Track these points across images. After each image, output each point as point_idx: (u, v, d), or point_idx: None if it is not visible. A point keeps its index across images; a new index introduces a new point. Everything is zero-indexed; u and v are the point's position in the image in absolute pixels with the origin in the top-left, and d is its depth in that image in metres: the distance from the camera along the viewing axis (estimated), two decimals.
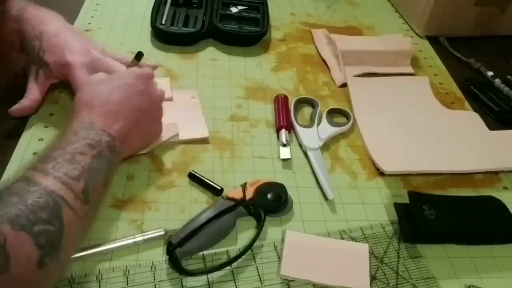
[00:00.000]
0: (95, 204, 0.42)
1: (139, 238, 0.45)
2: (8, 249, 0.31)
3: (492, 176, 0.57)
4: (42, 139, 0.54)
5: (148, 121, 0.50)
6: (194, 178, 0.52)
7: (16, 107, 0.55)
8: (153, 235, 0.45)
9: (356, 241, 0.47)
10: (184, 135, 0.56)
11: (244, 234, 0.47)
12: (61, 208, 0.36)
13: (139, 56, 0.55)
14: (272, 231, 0.48)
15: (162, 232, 0.45)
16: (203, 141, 0.57)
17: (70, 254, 0.40)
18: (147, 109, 0.49)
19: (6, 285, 0.31)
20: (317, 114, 0.61)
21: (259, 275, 0.44)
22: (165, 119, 0.54)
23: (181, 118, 0.58)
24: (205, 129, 0.58)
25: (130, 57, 0.57)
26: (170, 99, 0.61)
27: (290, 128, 0.59)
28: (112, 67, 0.54)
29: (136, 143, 0.50)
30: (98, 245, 0.44)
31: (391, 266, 0.46)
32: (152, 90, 0.50)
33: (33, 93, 0.56)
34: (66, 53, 0.54)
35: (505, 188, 0.56)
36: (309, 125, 0.60)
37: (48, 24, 0.55)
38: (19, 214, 0.33)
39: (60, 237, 0.35)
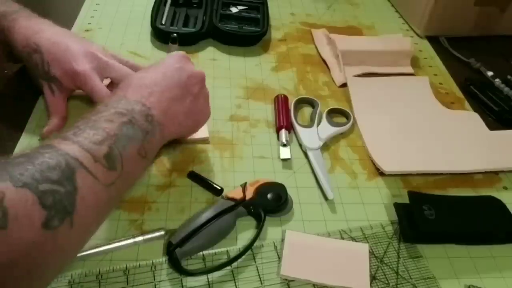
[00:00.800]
0: (127, 174, 0.39)
1: (139, 238, 0.45)
2: (6, 205, 0.29)
3: (492, 176, 0.57)
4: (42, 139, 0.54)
5: (190, 98, 0.48)
6: (194, 178, 0.52)
7: (47, 129, 0.54)
8: (153, 235, 0.45)
9: (356, 241, 0.47)
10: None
11: (244, 234, 0.47)
12: (75, 170, 0.33)
13: (174, 39, 0.57)
14: (272, 231, 0.48)
15: (162, 232, 0.45)
16: (203, 141, 0.57)
17: (92, 222, 0.36)
18: (186, 86, 0.48)
19: (5, 243, 0.29)
20: (317, 114, 0.61)
21: (259, 275, 0.44)
22: None
23: None
24: (205, 129, 0.57)
25: (132, 59, 0.57)
26: None
27: (290, 128, 0.59)
28: (122, 70, 0.54)
29: (181, 119, 0.47)
30: (98, 245, 0.44)
31: (391, 266, 0.46)
32: (190, 67, 0.49)
33: (57, 110, 0.55)
34: (72, 62, 0.52)
35: (505, 188, 0.56)
36: (309, 125, 0.60)
37: (42, 33, 0.53)
38: (23, 172, 0.31)
39: (73, 200, 0.32)
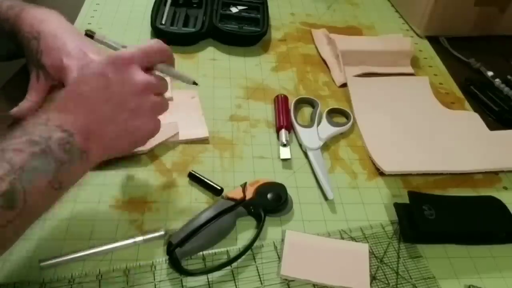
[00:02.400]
0: (31, 209, 0.35)
1: (139, 238, 0.45)
2: None
3: (492, 176, 0.57)
4: None
5: (127, 115, 0.41)
6: (194, 178, 0.52)
7: (15, 110, 0.53)
8: (153, 235, 0.45)
9: (356, 241, 0.47)
10: (184, 135, 0.56)
11: (244, 234, 0.47)
12: None
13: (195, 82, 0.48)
14: (272, 231, 0.48)
15: (162, 232, 0.45)
16: (203, 141, 0.57)
17: None
18: (121, 101, 0.41)
19: None
20: (317, 114, 0.61)
21: (259, 275, 0.44)
22: (164, 119, 0.53)
23: (181, 118, 0.58)
24: (205, 129, 0.57)
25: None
26: (170, 99, 0.61)
27: (290, 128, 0.59)
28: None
29: (112, 141, 0.42)
30: (98, 245, 0.44)
31: (391, 266, 0.46)
32: (128, 77, 0.41)
33: (32, 94, 0.54)
34: (63, 56, 0.51)
35: (505, 188, 0.56)
36: (309, 125, 0.60)
37: (47, 23, 0.53)
38: None
39: None
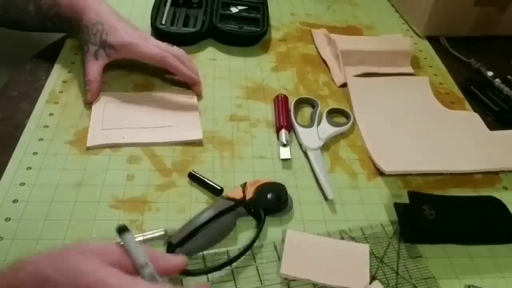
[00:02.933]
0: None
1: (139, 238, 0.45)
2: None
3: (492, 176, 0.57)
4: (42, 139, 0.54)
5: None
6: (194, 178, 0.52)
7: (89, 98, 0.59)
8: (153, 235, 0.45)
9: (356, 241, 0.47)
10: (178, 137, 0.56)
11: (244, 234, 0.47)
12: None
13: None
14: (272, 231, 0.48)
15: (162, 232, 0.45)
16: (205, 141, 0.57)
17: None
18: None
19: None
20: (317, 114, 0.61)
21: (259, 275, 0.44)
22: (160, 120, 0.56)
23: (177, 119, 0.58)
24: (199, 131, 0.57)
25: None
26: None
27: (290, 128, 0.59)
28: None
29: None
30: None
31: (391, 266, 0.46)
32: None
33: (95, 73, 0.60)
34: (127, 36, 0.60)
35: (505, 188, 0.56)
36: (309, 125, 0.60)
37: (101, 6, 0.62)
38: None
39: None
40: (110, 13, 0.61)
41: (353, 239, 0.48)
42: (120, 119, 0.58)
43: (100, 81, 0.60)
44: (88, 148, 0.54)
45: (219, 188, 0.50)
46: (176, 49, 0.63)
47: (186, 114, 0.60)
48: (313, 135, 0.58)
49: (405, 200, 0.50)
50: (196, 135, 0.57)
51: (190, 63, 0.64)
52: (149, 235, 0.45)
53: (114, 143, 0.54)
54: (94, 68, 0.60)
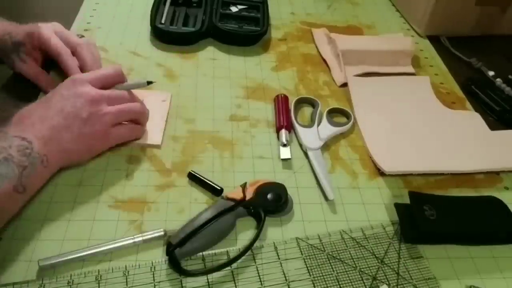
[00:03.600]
0: None
1: (139, 238, 0.44)
2: None
3: (493, 176, 0.57)
4: None
5: (78, 123, 0.47)
6: (194, 178, 0.51)
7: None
8: (153, 235, 0.45)
9: (356, 241, 0.47)
10: (137, 139, 0.55)
11: (244, 235, 0.47)
12: None
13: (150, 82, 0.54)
14: (272, 232, 0.48)
15: (162, 233, 0.45)
16: (205, 141, 0.57)
17: None
18: (71, 111, 0.46)
19: None
20: (317, 114, 0.61)
21: (259, 276, 0.43)
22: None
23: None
24: (160, 136, 0.55)
25: (132, 58, 0.60)
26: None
27: (290, 128, 0.59)
28: (69, 38, 0.59)
29: (69, 146, 0.46)
30: (97, 246, 0.43)
31: (391, 267, 0.45)
32: (79, 92, 0.47)
33: (39, 76, 0.59)
34: (35, 27, 0.58)
35: (506, 188, 0.56)
36: (309, 125, 0.60)
37: (17, 25, 0.60)
38: None
39: None
40: (20, 25, 0.60)
41: (353, 239, 0.48)
42: None
43: (44, 72, 0.60)
44: None
45: (219, 188, 0.50)
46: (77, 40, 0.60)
47: (154, 117, 0.57)
48: (313, 135, 0.58)
49: (406, 200, 0.50)
50: (156, 140, 0.55)
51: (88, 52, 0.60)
52: (148, 235, 0.45)
53: None
54: (32, 69, 0.59)
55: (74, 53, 0.58)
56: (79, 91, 0.48)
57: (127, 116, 0.52)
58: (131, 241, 0.44)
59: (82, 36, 0.62)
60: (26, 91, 0.60)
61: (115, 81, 0.52)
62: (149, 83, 0.54)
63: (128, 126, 0.53)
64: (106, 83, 0.51)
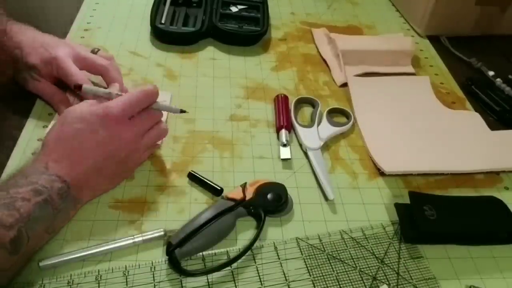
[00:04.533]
0: (28, 253, 0.40)
1: (139, 238, 0.44)
2: None
3: (493, 176, 0.57)
4: (41, 139, 0.54)
5: (115, 166, 0.47)
6: (194, 178, 0.51)
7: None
8: (153, 235, 0.45)
9: (356, 241, 0.47)
10: None
11: (244, 235, 0.47)
12: None
13: (182, 111, 0.51)
14: (272, 232, 0.48)
15: (162, 233, 0.45)
16: (204, 141, 0.57)
17: None
18: (111, 155, 0.46)
19: None
20: (317, 114, 0.61)
21: (259, 276, 0.43)
22: None
23: None
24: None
25: (132, 58, 0.57)
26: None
27: (290, 128, 0.59)
28: (96, 62, 0.56)
29: (104, 186, 0.48)
30: (97, 246, 0.43)
31: (391, 267, 0.45)
32: (117, 134, 0.46)
33: (53, 94, 0.57)
34: (49, 49, 0.55)
35: (506, 188, 0.56)
36: (309, 125, 0.60)
37: (23, 34, 0.56)
38: None
39: None
40: (32, 35, 0.57)
41: (353, 239, 0.48)
42: None
43: (63, 98, 0.57)
44: None
45: (219, 188, 0.50)
46: (98, 58, 0.57)
47: None
48: (314, 135, 0.58)
49: (406, 200, 0.50)
50: None
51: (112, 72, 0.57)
52: (148, 235, 0.45)
53: None
54: (46, 87, 0.57)
55: (102, 76, 0.57)
56: (117, 133, 0.46)
57: (156, 141, 0.52)
58: (131, 241, 0.44)
59: (98, 50, 0.59)
60: (26, 90, 0.60)
61: (146, 104, 0.48)
62: (182, 111, 0.51)
63: (150, 150, 0.52)
64: (139, 109, 0.48)
